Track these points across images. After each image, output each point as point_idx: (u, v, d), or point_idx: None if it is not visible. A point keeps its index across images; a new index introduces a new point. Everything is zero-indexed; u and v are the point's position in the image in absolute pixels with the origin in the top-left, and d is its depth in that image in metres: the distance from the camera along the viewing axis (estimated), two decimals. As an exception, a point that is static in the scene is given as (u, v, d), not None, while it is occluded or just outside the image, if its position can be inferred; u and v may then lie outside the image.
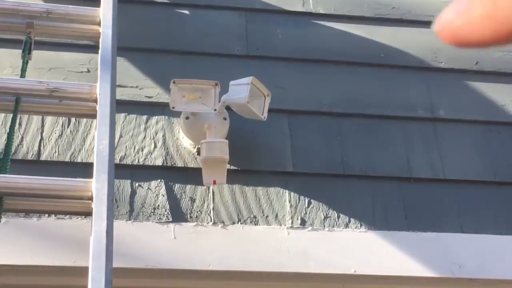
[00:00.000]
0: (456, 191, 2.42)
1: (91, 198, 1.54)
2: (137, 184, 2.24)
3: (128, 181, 2.24)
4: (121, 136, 2.32)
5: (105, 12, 1.89)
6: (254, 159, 2.36)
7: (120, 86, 2.35)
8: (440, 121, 2.57)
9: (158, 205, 2.21)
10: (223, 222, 2.22)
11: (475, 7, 0.54)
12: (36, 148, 2.25)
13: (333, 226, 2.27)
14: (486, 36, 0.54)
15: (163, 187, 2.25)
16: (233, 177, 2.27)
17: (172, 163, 2.30)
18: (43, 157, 2.23)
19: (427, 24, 2.81)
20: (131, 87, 2.42)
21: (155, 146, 2.32)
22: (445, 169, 2.46)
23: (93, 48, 2.21)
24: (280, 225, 2.24)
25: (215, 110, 2.24)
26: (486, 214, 2.39)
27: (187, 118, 2.31)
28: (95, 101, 1.71)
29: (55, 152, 2.25)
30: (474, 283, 2.24)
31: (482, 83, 2.69)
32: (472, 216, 2.37)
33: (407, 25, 2.80)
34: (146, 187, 2.24)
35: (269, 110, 2.29)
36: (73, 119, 2.32)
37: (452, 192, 2.42)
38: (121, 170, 2.21)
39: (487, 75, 2.71)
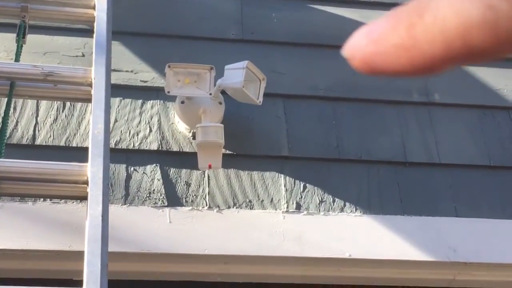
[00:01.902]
0: (451, 175, 2.43)
1: (86, 182, 1.54)
2: (132, 169, 2.24)
3: (124, 166, 2.24)
4: (116, 121, 2.32)
5: (99, -5, 1.88)
6: (250, 143, 2.36)
7: (115, 70, 2.34)
8: (435, 105, 2.57)
9: (154, 190, 2.21)
10: (218, 207, 2.22)
11: (389, 36, 0.49)
12: (31, 132, 2.24)
13: (328, 210, 2.28)
14: (402, 66, 0.49)
15: (159, 172, 2.25)
16: (228, 161, 2.27)
17: (168, 147, 2.30)
18: (38, 142, 2.23)
19: (422, 8, 2.80)
20: (126, 71, 2.42)
21: (151, 131, 2.32)
22: (440, 153, 2.46)
23: (88, 32, 2.21)
24: (275, 209, 2.24)
25: (210, 94, 2.23)
26: (480, 198, 2.39)
27: (182, 102, 2.30)
28: (90, 85, 1.71)
29: (50, 136, 2.25)
30: (469, 267, 2.25)
31: (477, 67, 2.69)
32: (467, 200, 2.38)
33: (402, 9, 2.79)
34: (142, 172, 2.24)
35: (265, 95, 2.29)
36: (68, 104, 2.32)
37: (447, 176, 2.42)
38: (116, 154, 2.21)
39: (483, 59, 2.71)
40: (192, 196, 2.23)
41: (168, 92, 2.22)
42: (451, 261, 2.23)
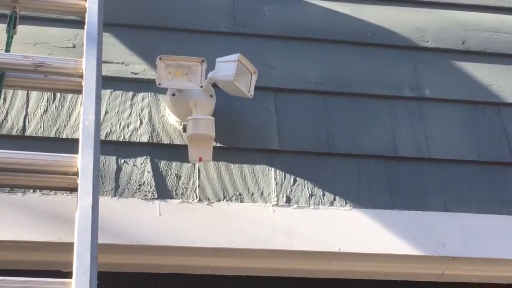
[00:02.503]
0: (441, 170, 2.43)
1: (76, 174, 1.53)
2: (122, 161, 2.24)
3: (114, 158, 2.24)
4: (106, 113, 2.31)
5: (91, -13, 1.87)
6: (240, 136, 2.36)
7: (106, 62, 2.34)
8: (426, 100, 2.57)
9: (144, 182, 2.21)
10: (208, 199, 2.22)
11: None
12: (21, 123, 2.24)
13: (318, 204, 2.28)
14: None
15: (149, 164, 2.25)
16: (219, 154, 2.27)
17: (158, 139, 2.30)
18: (28, 133, 2.22)
19: (414, 3, 2.81)
20: (117, 63, 2.41)
21: (141, 123, 2.32)
22: (430, 148, 2.47)
23: (79, 23, 2.20)
24: (266, 203, 2.25)
25: (201, 87, 2.23)
26: (470, 193, 2.40)
27: (173, 95, 2.30)
28: (81, 76, 1.70)
29: (40, 127, 2.24)
30: (458, 261, 2.26)
31: (468, 63, 2.70)
32: (456, 195, 2.39)
33: (394, 4, 2.79)
34: (132, 164, 2.24)
35: (256, 88, 2.29)
36: (58, 95, 2.31)
37: (437, 171, 2.43)
38: (106, 146, 2.21)
39: (473, 55, 2.72)
40: (182, 189, 2.23)
41: (159, 84, 2.22)
42: (440, 256, 2.24)
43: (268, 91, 2.46)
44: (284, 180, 2.31)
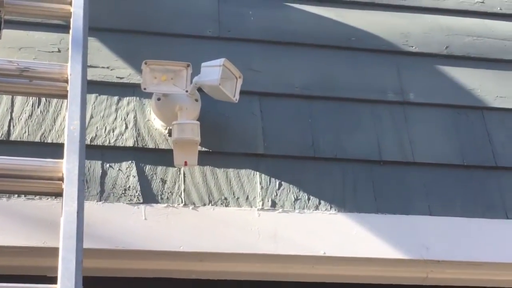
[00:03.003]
0: (425, 174, 2.45)
1: (61, 179, 1.53)
2: (108, 165, 2.24)
3: (99, 162, 2.23)
4: (92, 117, 2.31)
5: (76, -9, 1.87)
6: (226, 141, 2.37)
7: (91, 66, 2.34)
8: (410, 104, 2.59)
9: (129, 186, 2.21)
10: (194, 204, 2.22)
11: None
12: (5, 128, 2.23)
13: (304, 208, 2.29)
14: None
15: (134, 168, 2.25)
16: (204, 158, 2.27)
17: (143, 144, 2.30)
18: (12, 137, 2.22)
19: (398, 8, 2.83)
20: (102, 67, 2.41)
21: (126, 127, 2.32)
22: (414, 152, 2.48)
23: (64, 28, 2.20)
24: (251, 207, 2.25)
25: (186, 91, 2.23)
26: (454, 197, 2.42)
27: (158, 99, 2.30)
28: (66, 81, 1.70)
29: (25, 132, 2.24)
30: (442, 265, 2.27)
31: (452, 67, 2.71)
32: (440, 198, 2.40)
33: (378, 9, 2.81)
34: (117, 168, 2.24)
35: (241, 92, 2.29)
36: (43, 99, 2.31)
37: (421, 175, 2.44)
38: (91, 151, 2.20)
39: (457, 59, 2.74)
40: (168, 193, 2.23)
41: (145, 89, 2.22)
42: (424, 259, 2.25)
43: (253, 96, 2.47)
44: (269, 184, 2.31)
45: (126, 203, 2.17)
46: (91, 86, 2.26)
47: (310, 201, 2.31)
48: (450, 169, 2.49)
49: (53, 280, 1.40)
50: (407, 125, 2.54)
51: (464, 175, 2.48)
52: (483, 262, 2.30)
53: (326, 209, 2.30)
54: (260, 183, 2.31)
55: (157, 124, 2.32)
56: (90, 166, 2.21)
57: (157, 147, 2.30)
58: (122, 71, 2.42)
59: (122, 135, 2.30)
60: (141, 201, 2.19)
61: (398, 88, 2.61)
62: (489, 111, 2.64)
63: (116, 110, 2.35)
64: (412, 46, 2.73)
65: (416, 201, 2.38)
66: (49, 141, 2.23)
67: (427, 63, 2.71)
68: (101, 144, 2.27)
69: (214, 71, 2.23)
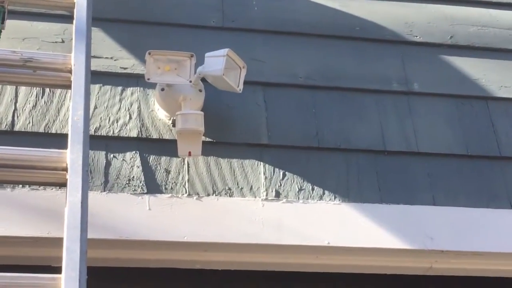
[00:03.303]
0: (429, 164, 2.44)
1: (65, 169, 1.54)
2: (112, 156, 2.24)
3: (103, 153, 2.24)
4: (96, 107, 2.31)
5: (79, -19, 1.87)
6: (229, 131, 2.37)
7: (95, 57, 2.33)
8: (414, 94, 2.58)
9: (133, 177, 2.21)
10: (198, 194, 2.22)
11: None
12: (10, 118, 2.23)
13: (307, 198, 2.29)
14: None
15: (138, 159, 2.25)
16: (208, 149, 2.27)
17: (147, 134, 2.30)
18: (17, 128, 2.22)
19: (402, -3, 2.82)
20: (106, 58, 2.41)
21: (130, 118, 2.32)
22: (418, 142, 2.48)
23: (68, 18, 2.20)
24: (255, 197, 2.25)
25: (190, 81, 2.23)
26: (458, 187, 2.41)
27: (162, 89, 2.30)
28: (70, 71, 1.70)
29: (29, 122, 2.24)
30: (446, 255, 2.27)
31: (456, 57, 2.71)
32: (444, 188, 2.40)
33: (382, -1, 2.81)
34: (121, 159, 2.24)
35: (245, 83, 2.29)
36: (47, 90, 2.31)
37: (425, 165, 2.44)
38: (96, 141, 2.20)
39: (461, 49, 2.73)
40: (172, 183, 2.23)
41: (148, 79, 2.22)
42: (428, 249, 2.25)
43: (257, 86, 2.47)
44: (273, 175, 2.31)
45: (130, 194, 2.17)
46: (95, 77, 2.26)
47: (314, 191, 2.31)
48: (454, 159, 2.48)
49: (57, 270, 1.41)
50: (411, 115, 2.53)
51: (468, 165, 2.48)
52: (488, 252, 2.30)
53: (330, 199, 2.30)
54: (264, 173, 2.31)
55: (161, 114, 2.32)
56: (94, 157, 2.22)
57: (161, 138, 2.30)
58: (126, 62, 2.42)
59: (126, 125, 2.30)
60: (145, 191, 2.19)
61: (403, 78, 2.60)
62: (493, 101, 2.64)
63: (120, 100, 2.35)
64: (417, 36, 2.72)
65: (420, 191, 2.38)
66: (53, 131, 2.24)
67: (431, 53, 2.70)
68: (105, 135, 2.27)
69: (218, 61, 2.23)
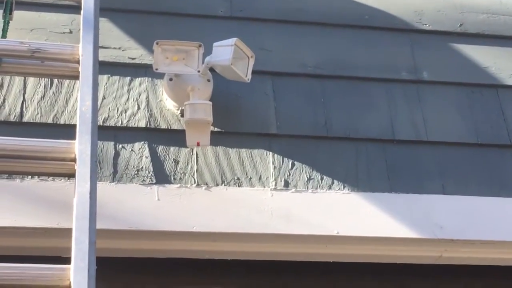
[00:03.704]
0: (439, 152, 2.43)
1: (74, 160, 1.54)
2: (120, 146, 2.24)
3: (112, 143, 2.23)
4: (104, 98, 2.31)
5: (87, -28, 1.86)
6: (238, 121, 2.36)
7: (102, 47, 2.33)
8: (424, 83, 2.57)
9: (142, 167, 2.21)
10: (206, 184, 2.22)
11: None
12: (18, 109, 2.23)
13: (317, 188, 2.28)
14: None
15: (147, 149, 2.25)
16: (216, 138, 2.27)
17: (156, 124, 2.30)
18: (25, 119, 2.22)
19: (411, -15, 2.81)
20: (114, 48, 2.41)
21: (139, 108, 2.31)
22: (428, 131, 2.47)
23: (75, 8, 2.20)
24: (264, 187, 2.25)
25: (198, 71, 2.23)
26: (468, 175, 2.40)
27: (170, 79, 2.30)
28: (78, 62, 1.70)
29: (38, 113, 2.24)
30: (456, 244, 2.26)
31: (465, 45, 2.69)
32: (454, 177, 2.39)
33: (391, -13, 2.79)
34: (130, 149, 2.24)
35: (253, 72, 2.29)
36: (55, 80, 2.31)
37: (435, 154, 2.43)
38: (104, 131, 2.20)
39: (471, 37, 2.72)
40: (181, 174, 2.23)
41: (156, 69, 2.21)
42: (438, 238, 2.25)
43: (266, 75, 2.46)
44: (282, 164, 2.31)
45: (139, 184, 2.17)
46: (103, 67, 2.25)
47: (323, 180, 2.30)
48: (464, 147, 2.47)
49: (67, 260, 1.41)
50: (421, 104, 2.52)
51: (478, 154, 2.47)
52: (498, 241, 2.29)
53: (339, 189, 2.29)
54: (273, 163, 2.30)
55: (169, 104, 2.32)
56: (103, 147, 2.22)
57: (169, 128, 2.30)
58: (134, 52, 2.41)
59: (135, 115, 2.30)
60: (154, 181, 2.19)
61: (412, 66, 2.59)
62: (503, 89, 2.62)
63: (128, 90, 2.34)
64: (426, 24, 2.71)
65: (430, 180, 2.37)
66: (62, 122, 2.24)
67: (441, 41, 2.68)
68: (113, 125, 2.27)
69: (226, 51, 2.22)
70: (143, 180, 2.19)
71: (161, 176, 2.21)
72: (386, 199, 2.29)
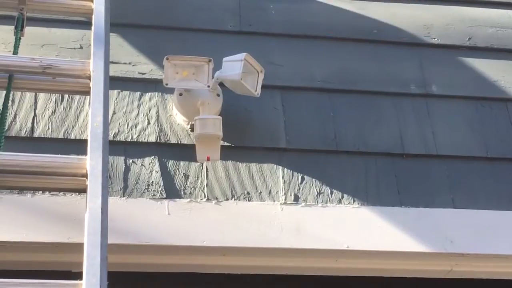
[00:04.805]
0: (449, 166, 2.43)
1: (85, 175, 1.54)
2: (131, 161, 2.24)
3: (122, 158, 2.24)
4: (114, 113, 2.32)
5: (97, -12, 1.88)
6: (248, 135, 2.37)
7: (113, 62, 2.34)
8: (433, 97, 2.57)
9: (152, 182, 2.21)
10: (216, 198, 2.23)
11: None
12: (29, 125, 2.24)
13: (326, 202, 2.28)
14: None
15: (157, 164, 2.25)
16: (226, 153, 2.28)
17: (166, 139, 2.30)
18: (36, 134, 2.23)
19: (420, 0, 2.81)
20: (124, 63, 2.42)
21: (149, 123, 2.32)
22: (437, 144, 2.46)
23: (86, 24, 2.21)
24: (274, 201, 2.25)
25: (208, 86, 2.23)
26: (478, 189, 2.40)
27: (180, 94, 2.31)
28: (89, 77, 1.71)
29: (49, 128, 2.25)
30: (466, 258, 2.26)
31: (474, 59, 2.69)
32: (464, 191, 2.38)
33: (400, 1, 2.80)
34: (140, 164, 2.24)
35: (263, 86, 2.29)
36: (66, 96, 2.32)
37: (445, 168, 2.43)
38: (114, 146, 2.21)
39: (480, 51, 2.72)
40: (191, 188, 2.23)
41: (166, 84, 2.22)
42: (448, 253, 2.24)
43: (275, 90, 2.47)
44: (292, 178, 2.31)
45: (150, 199, 2.18)
46: (113, 82, 2.26)
47: (333, 194, 2.30)
48: (474, 161, 2.47)
49: (78, 275, 1.41)
50: (430, 118, 2.52)
51: (488, 167, 2.47)
52: (509, 255, 2.28)
53: (349, 203, 2.29)
54: (283, 177, 2.31)
55: (179, 119, 2.33)
56: (113, 162, 2.22)
57: (179, 142, 2.30)
58: (144, 67, 2.42)
59: (145, 130, 2.31)
60: (164, 196, 2.20)
61: (421, 80, 2.60)
62: (513, 103, 2.62)
63: (139, 105, 2.35)
64: (435, 38, 2.71)
65: (440, 194, 2.37)
66: (72, 137, 2.25)
67: (449, 55, 2.69)
68: (123, 140, 2.27)
69: (235, 66, 2.23)
70: (154, 195, 2.19)
71: (171, 191, 2.21)
72: (396, 213, 2.28)
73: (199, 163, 2.27)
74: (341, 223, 2.24)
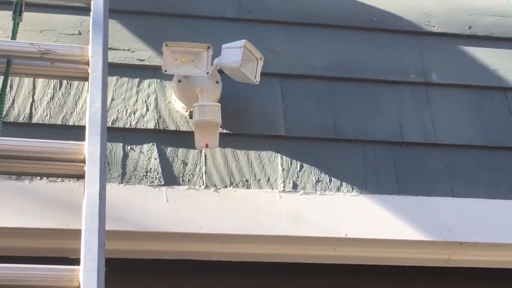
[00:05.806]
0: (448, 155, 2.43)
1: (83, 161, 1.54)
2: (129, 147, 2.24)
3: (120, 144, 2.24)
4: (113, 99, 2.31)
5: (96, -27, 1.87)
6: (247, 122, 2.36)
7: (112, 48, 2.33)
8: (433, 85, 2.57)
9: (150, 168, 2.21)
10: (215, 186, 2.22)
11: None
12: (27, 110, 2.24)
13: (325, 190, 2.28)
14: None
15: (155, 150, 2.25)
16: (225, 140, 2.27)
17: (164, 126, 2.30)
18: (34, 120, 2.23)
19: (420, -13, 2.80)
20: (123, 50, 2.41)
21: (147, 109, 2.32)
22: (437, 133, 2.46)
23: (85, 10, 2.19)
24: (272, 189, 2.25)
25: (207, 73, 2.23)
26: (477, 178, 2.40)
27: (179, 81, 2.30)
28: (87, 63, 1.70)
29: (47, 114, 2.25)
30: (465, 246, 2.26)
31: (474, 47, 2.69)
32: (463, 180, 2.38)
33: (400, -11, 2.79)
34: (138, 150, 2.24)
35: (262, 74, 2.29)
36: (64, 82, 2.31)
37: (444, 156, 2.42)
38: (113, 133, 2.21)
39: (480, 39, 2.71)
40: (189, 175, 2.23)
41: (165, 71, 2.22)
42: (446, 241, 2.24)
43: (274, 77, 2.46)
44: (291, 166, 2.31)
45: (148, 185, 2.18)
46: (112, 68, 2.25)
47: (331, 182, 2.30)
48: (473, 150, 2.47)
49: (76, 261, 1.41)
50: (429, 106, 2.52)
51: (487, 156, 2.46)
52: (507, 244, 2.28)
53: (347, 191, 2.29)
54: (281, 165, 2.30)
55: (178, 106, 2.32)
56: (112, 148, 2.22)
57: (178, 129, 2.30)
58: (143, 53, 2.42)
59: (143, 117, 2.30)
60: (163, 183, 2.19)
61: (420, 68, 2.59)
62: (512, 92, 2.62)
63: (137, 92, 2.35)
64: (435, 26, 2.71)
65: (438, 182, 2.36)
66: (71, 123, 2.24)
67: (449, 44, 2.68)
68: (122, 126, 2.27)
69: (234, 53, 2.22)
70: (152, 182, 2.19)
71: (170, 178, 2.21)
72: (395, 202, 2.28)
73: (197, 150, 2.26)
74: (339, 211, 2.23)
